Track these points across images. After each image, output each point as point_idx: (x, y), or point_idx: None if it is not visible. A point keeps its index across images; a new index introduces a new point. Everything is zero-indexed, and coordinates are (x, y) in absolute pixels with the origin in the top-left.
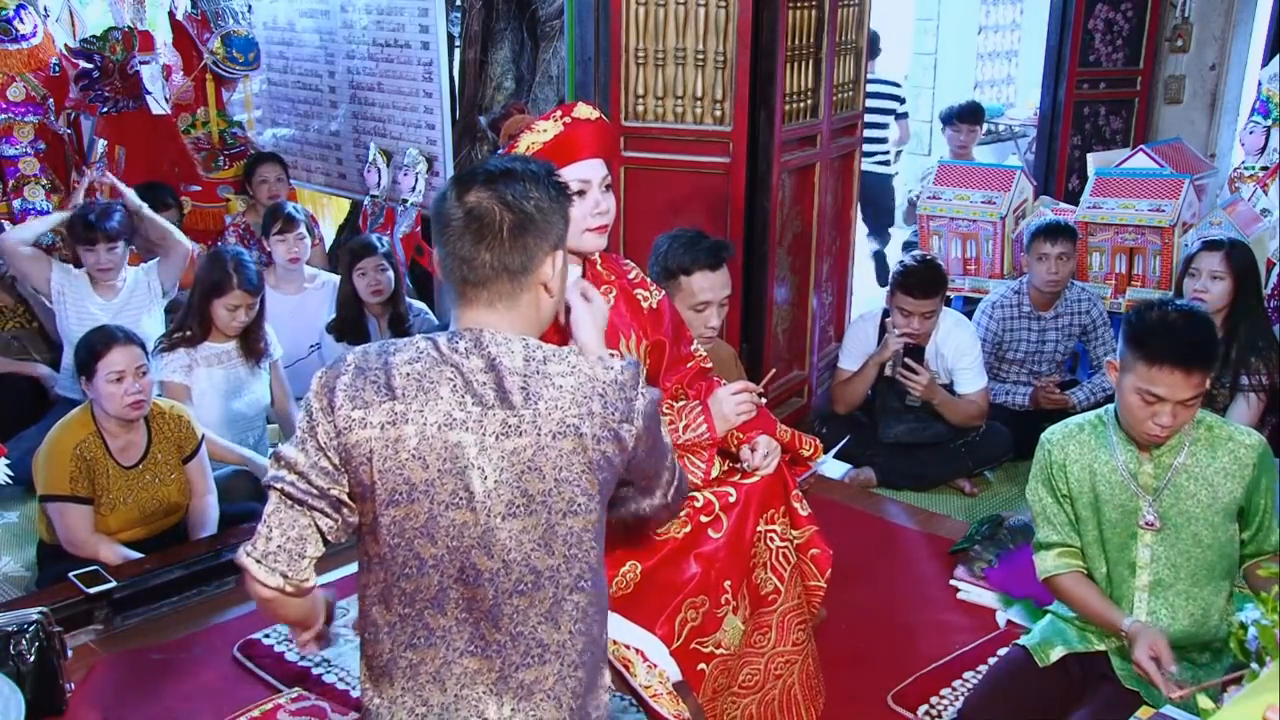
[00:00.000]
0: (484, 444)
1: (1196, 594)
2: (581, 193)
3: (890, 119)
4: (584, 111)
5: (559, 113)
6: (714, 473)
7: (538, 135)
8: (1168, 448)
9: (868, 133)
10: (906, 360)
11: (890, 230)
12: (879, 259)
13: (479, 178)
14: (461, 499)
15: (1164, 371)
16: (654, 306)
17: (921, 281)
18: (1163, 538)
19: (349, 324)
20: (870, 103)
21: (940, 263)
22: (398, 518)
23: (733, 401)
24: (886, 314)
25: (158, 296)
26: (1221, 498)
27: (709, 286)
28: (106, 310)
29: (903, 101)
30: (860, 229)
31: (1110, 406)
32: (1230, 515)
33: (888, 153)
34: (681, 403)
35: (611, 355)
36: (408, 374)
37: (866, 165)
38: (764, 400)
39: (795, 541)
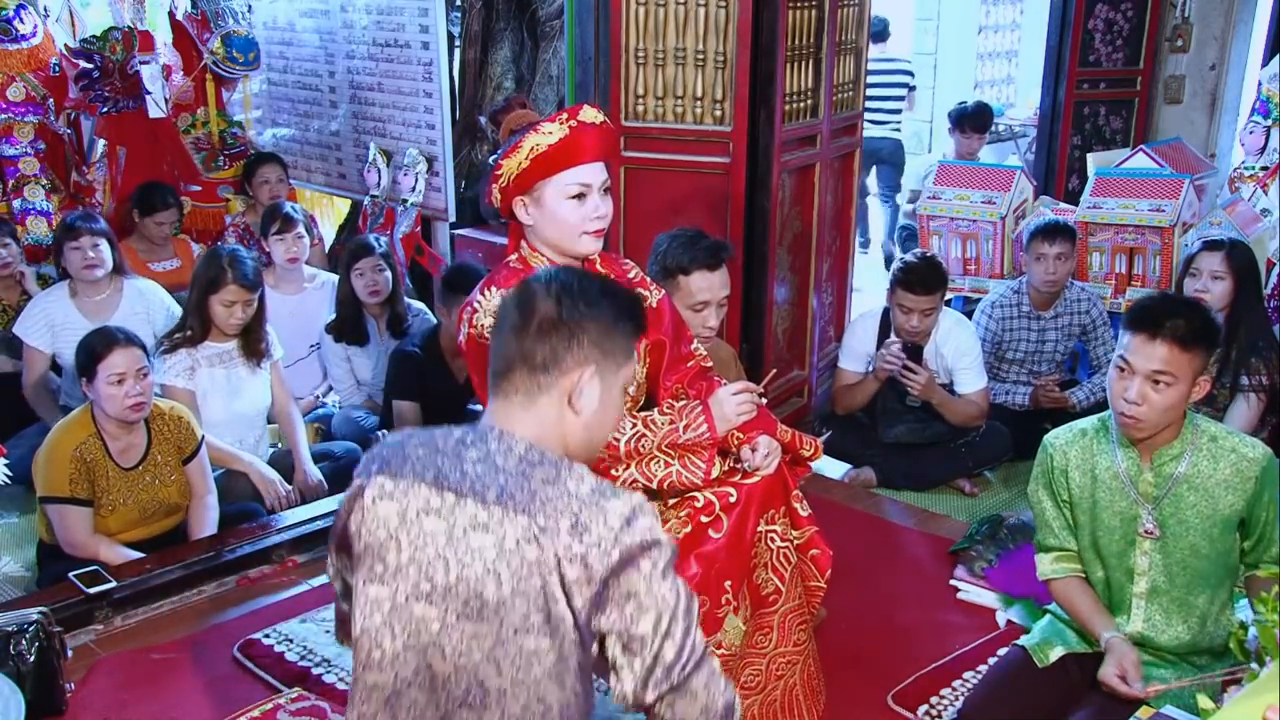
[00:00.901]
0: (453, 535)
1: (1193, 602)
2: (582, 196)
3: (904, 90)
4: (589, 115)
5: (565, 115)
6: (714, 473)
7: (543, 137)
8: (1169, 457)
9: (886, 105)
10: (905, 358)
11: (901, 183)
12: (894, 213)
13: (560, 273)
14: (423, 591)
15: (1136, 338)
16: (654, 306)
17: (922, 278)
18: (1161, 546)
19: (348, 324)
20: (888, 78)
21: (941, 261)
22: (370, 596)
23: (733, 402)
24: (887, 312)
25: (161, 313)
26: (1221, 509)
27: (707, 286)
28: None
29: (913, 75)
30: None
31: (1111, 411)
32: (1230, 526)
33: (901, 122)
34: (682, 402)
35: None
36: (407, 454)
37: (884, 132)
38: (764, 400)
39: (795, 542)
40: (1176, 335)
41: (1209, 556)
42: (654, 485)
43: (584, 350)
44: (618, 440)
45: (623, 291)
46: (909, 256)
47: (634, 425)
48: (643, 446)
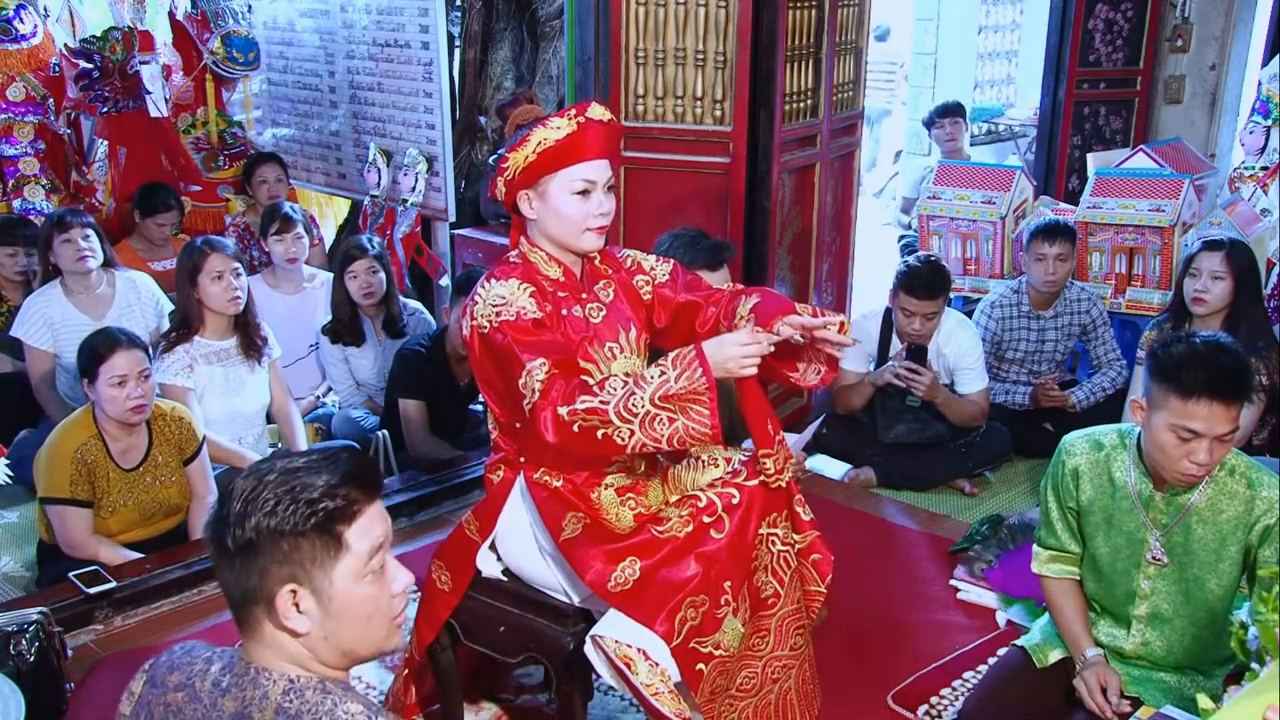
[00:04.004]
0: None
1: (1193, 631)
2: (586, 193)
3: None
4: (597, 112)
5: (573, 111)
6: (729, 467)
7: (550, 132)
8: (1183, 486)
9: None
10: (909, 362)
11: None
12: None
13: (244, 482)
14: None
15: (1201, 404)
16: (662, 279)
17: (926, 282)
18: (1166, 573)
19: (344, 325)
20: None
21: (944, 264)
22: None
23: (739, 350)
24: (889, 312)
25: (152, 307)
26: (1229, 545)
27: None
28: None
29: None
30: None
31: (1135, 429)
32: (1236, 563)
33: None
34: (674, 352)
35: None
36: (168, 701)
37: None
38: (772, 349)
39: (797, 546)
40: (1241, 393)
41: (1213, 590)
42: (664, 446)
43: (282, 567)
44: (605, 406)
45: (329, 472)
46: (912, 260)
47: (624, 384)
48: (633, 405)
